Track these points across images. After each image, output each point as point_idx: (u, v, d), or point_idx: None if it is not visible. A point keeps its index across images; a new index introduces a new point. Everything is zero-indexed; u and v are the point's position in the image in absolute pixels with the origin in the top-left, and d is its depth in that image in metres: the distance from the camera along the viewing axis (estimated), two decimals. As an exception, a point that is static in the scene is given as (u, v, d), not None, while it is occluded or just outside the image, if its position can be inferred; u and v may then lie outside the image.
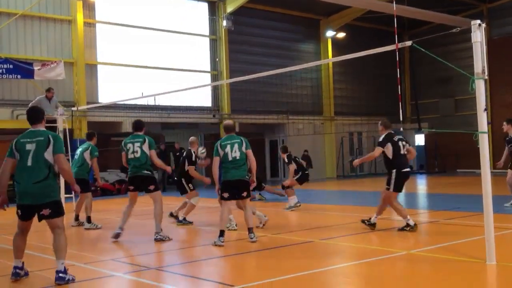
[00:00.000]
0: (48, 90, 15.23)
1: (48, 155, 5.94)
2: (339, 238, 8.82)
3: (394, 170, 8.75)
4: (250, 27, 25.92)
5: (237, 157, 8.33)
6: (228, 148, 8.35)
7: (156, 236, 8.74)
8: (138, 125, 9.20)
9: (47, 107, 14.78)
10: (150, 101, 22.25)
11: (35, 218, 6.09)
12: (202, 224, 11.04)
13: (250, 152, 8.49)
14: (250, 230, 8.33)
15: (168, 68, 23.00)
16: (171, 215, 11.33)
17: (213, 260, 7.44)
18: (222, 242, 8.13)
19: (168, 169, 9.89)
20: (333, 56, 27.59)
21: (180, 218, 10.89)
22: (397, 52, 7.35)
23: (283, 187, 13.18)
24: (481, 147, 6.34)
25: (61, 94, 19.15)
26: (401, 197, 17.22)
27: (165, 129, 24.52)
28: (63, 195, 13.75)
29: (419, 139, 32.49)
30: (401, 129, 29.30)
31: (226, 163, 8.35)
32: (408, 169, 8.92)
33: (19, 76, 18.00)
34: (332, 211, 13.14)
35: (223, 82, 23.62)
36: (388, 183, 8.81)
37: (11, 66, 17.70)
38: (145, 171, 8.87)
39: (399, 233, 9.04)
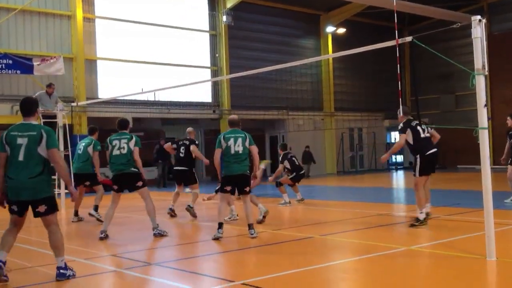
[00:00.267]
0: (49, 85, 15.22)
1: (42, 150, 5.73)
2: (339, 234, 8.83)
3: (418, 155, 8.71)
4: (250, 23, 25.86)
5: (240, 152, 8.35)
6: (231, 141, 8.36)
7: (155, 231, 8.75)
8: (123, 124, 9.07)
9: (47, 103, 14.79)
10: (150, 97, 22.24)
11: (29, 214, 5.98)
12: (202, 219, 11.05)
13: (254, 148, 8.53)
14: (250, 226, 8.33)
15: (168, 64, 22.98)
16: (189, 207, 11.13)
17: (214, 255, 7.45)
18: (221, 234, 8.16)
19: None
20: (333, 51, 27.55)
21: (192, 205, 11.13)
22: (397, 48, 7.34)
23: (277, 184, 13.17)
24: (481, 143, 6.33)
25: (61, 90, 19.12)
26: (402, 193, 17.27)
27: (165, 124, 24.51)
28: (62, 191, 13.81)
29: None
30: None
31: (228, 156, 8.35)
32: (433, 151, 8.77)
33: (18, 72, 17.98)
34: (332, 207, 13.15)
35: (223, 78, 23.59)
36: (414, 170, 8.77)
37: (10, 62, 17.68)
38: (132, 168, 8.74)
39: (399, 229, 9.06)
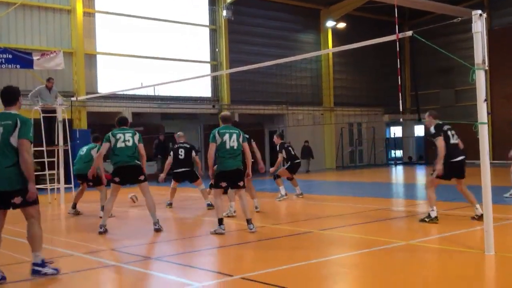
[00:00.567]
0: (48, 80, 15.20)
1: (14, 139, 5.48)
2: (338, 228, 8.84)
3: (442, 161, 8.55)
4: (250, 17, 25.81)
5: (235, 147, 8.39)
6: (226, 137, 8.38)
7: (157, 226, 8.75)
8: (124, 121, 9.16)
9: (47, 97, 14.78)
10: (150, 91, 22.22)
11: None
12: (201, 214, 11.06)
13: (246, 146, 8.62)
14: (249, 221, 8.35)
15: (168, 58, 22.94)
16: (210, 205, 11.36)
17: (212, 250, 7.46)
18: (223, 229, 8.18)
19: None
20: (333, 46, 27.50)
21: (209, 202, 11.57)
22: (397, 43, 7.32)
23: (275, 177, 13.17)
24: (481, 138, 6.33)
25: (60, 84, 19.11)
26: (401, 188, 17.28)
27: (165, 119, 24.51)
28: (62, 185, 13.82)
29: (419, 130, 32.50)
30: (401, 119, 29.45)
31: (223, 151, 8.34)
32: (460, 158, 8.60)
33: (18, 66, 17.98)
34: (331, 201, 13.16)
35: (222, 73, 23.56)
36: (433, 170, 8.63)
37: (10, 56, 17.68)
38: (137, 161, 8.81)
39: (398, 223, 9.06)
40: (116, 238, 8.45)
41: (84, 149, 11.43)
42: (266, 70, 23.50)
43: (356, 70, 30.04)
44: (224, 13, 24.29)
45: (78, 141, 16.06)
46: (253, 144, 10.17)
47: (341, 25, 28.38)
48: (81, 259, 6.84)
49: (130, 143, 8.75)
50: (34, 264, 5.65)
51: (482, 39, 6.21)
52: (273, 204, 12.31)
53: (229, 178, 8.42)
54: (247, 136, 9.06)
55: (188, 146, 12.06)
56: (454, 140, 8.67)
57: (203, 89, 24.36)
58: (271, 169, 13.42)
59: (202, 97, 24.35)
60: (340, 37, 28.04)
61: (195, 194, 12.19)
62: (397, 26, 7.64)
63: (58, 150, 14.29)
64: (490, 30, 25.98)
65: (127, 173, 8.75)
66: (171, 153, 12.13)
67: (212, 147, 8.35)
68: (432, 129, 8.70)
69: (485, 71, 6.30)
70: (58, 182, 14.11)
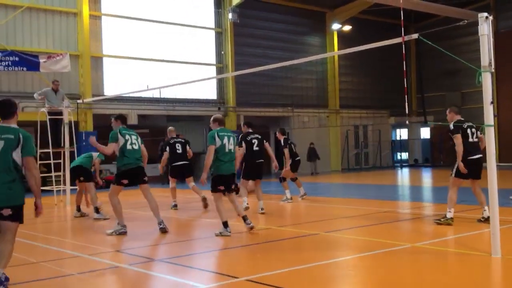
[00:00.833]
0: (53, 82, 15.29)
1: (17, 155, 5.30)
2: (343, 230, 8.82)
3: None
4: (255, 20, 25.85)
5: (232, 150, 8.45)
6: (226, 140, 8.36)
7: (162, 225, 8.74)
8: (126, 119, 9.19)
9: (53, 99, 14.84)
10: (156, 94, 22.28)
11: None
12: (205, 216, 11.06)
13: (237, 150, 8.76)
14: (245, 217, 8.41)
15: (174, 61, 23.01)
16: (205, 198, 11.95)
17: (217, 252, 7.46)
18: (229, 232, 8.17)
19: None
20: (338, 49, 27.49)
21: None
22: (403, 45, 7.30)
23: (281, 180, 13.16)
24: (487, 140, 6.31)
25: (67, 87, 19.19)
26: (406, 190, 17.22)
27: (170, 121, 24.53)
28: (68, 187, 13.87)
29: (425, 132, 32.41)
30: (407, 122, 29.37)
31: (222, 154, 8.29)
32: (477, 156, 8.47)
33: (25, 69, 18.06)
34: (336, 204, 13.14)
35: (228, 75, 23.60)
36: (452, 170, 8.60)
37: (17, 59, 17.76)
38: (142, 163, 8.88)
39: (403, 226, 9.02)
40: (121, 240, 8.46)
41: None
42: (272, 72, 23.53)
43: (362, 72, 30.00)
44: (230, 16, 24.34)
45: (84, 143, 16.13)
46: (266, 144, 11.11)
47: (347, 27, 28.37)
48: (87, 261, 6.86)
49: (136, 146, 8.79)
50: None
51: (489, 41, 6.19)
52: (278, 206, 12.30)
53: (226, 182, 8.40)
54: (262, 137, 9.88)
55: (183, 140, 12.41)
56: (473, 138, 8.55)
57: (209, 91, 24.40)
58: (282, 173, 13.27)
59: (208, 100, 24.39)
60: (345, 39, 28.02)
61: (198, 196, 12.19)
62: (402, 28, 7.61)
63: (64, 152, 14.35)
64: (496, 32, 25.88)
65: (135, 175, 8.76)
66: (167, 148, 12.32)
67: (212, 150, 8.24)
68: (451, 126, 8.66)
69: (492, 73, 6.28)
70: (64, 184, 14.15)
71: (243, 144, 10.86)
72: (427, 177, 22.53)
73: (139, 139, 8.93)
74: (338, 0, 27.46)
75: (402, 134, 33.31)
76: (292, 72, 26.22)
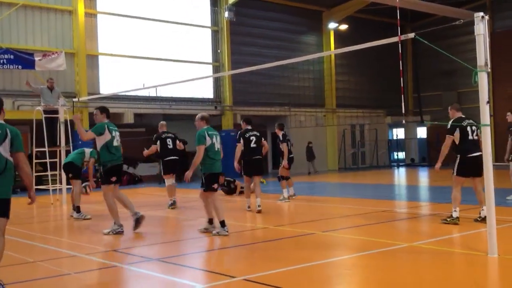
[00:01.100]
0: (47, 80, 15.25)
1: (4, 150, 5.24)
2: (341, 230, 8.82)
3: (458, 156, 8.52)
4: (252, 19, 25.83)
5: (220, 149, 8.50)
6: (214, 139, 8.41)
7: (138, 215, 8.66)
8: (109, 113, 9.06)
9: (49, 98, 14.80)
10: (152, 93, 22.23)
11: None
12: (203, 215, 11.03)
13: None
14: (223, 223, 8.19)
15: (170, 59, 22.96)
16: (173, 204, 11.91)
17: (215, 251, 7.45)
18: (227, 231, 8.13)
19: None
20: (335, 48, 27.52)
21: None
22: (399, 45, 7.30)
23: (279, 178, 13.15)
24: (484, 140, 6.32)
25: (62, 85, 19.14)
26: (403, 190, 17.26)
27: (166, 120, 24.43)
28: (64, 186, 13.83)
29: (421, 132, 32.47)
30: (403, 121, 29.41)
31: (213, 153, 8.33)
32: (476, 154, 8.35)
33: (20, 67, 17.98)
34: (333, 203, 13.15)
35: (224, 74, 23.57)
36: (453, 169, 8.59)
37: (12, 57, 17.68)
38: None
39: (400, 225, 9.02)
40: (118, 239, 8.43)
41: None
42: (268, 71, 23.50)
43: (359, 72, 30.03)
44: (226, 14, 24.31)
45: (80, 142, 16.06)
46: (264, 142, 11.40)
47: (343, 27, 28.39)
48: (84, 260, 6.83)
49: (119, 142, 8.76)
50: None
51: (485, 41, 6.20)
52: (275, 205, 12.30)
53: (216, 180, 8.44)
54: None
55: (173, 136, 12.64)
56: (473, 136, 8.52)
57: (205, 90, 24.38)
58: (284, 163, 13.13)
59: (204, 98, 24.36)
60: (342, 39, 28.04)
61: (196, 195, 12.17)
62: (399, 28, 7.62)
63: (60, 151, 14.30)
64: (492, 32, 25.95)
65: (119, 172, 8.75)
66: (158, 142, 12.41)
67: (203, 149, 8.23)
68: (449, 123, 8.66)
69: (488, 73, 6.28)
70: (60, 183, 14.11)
71: (241, 141, 10.90)
72: (423, 177, 22.57)
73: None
74: (335, -1, 27.50)
75: (399, 133, 33.36)
76: (289, 71, 26.22)
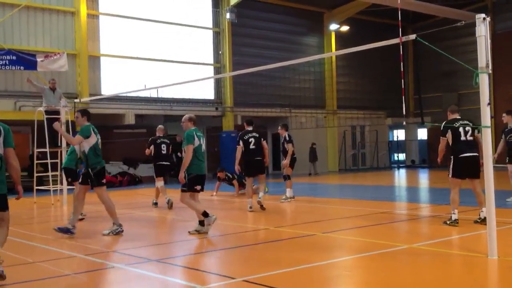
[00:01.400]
0: (49, 81, 15.27)
1: (0, 147, 5.43)
2: (341, 231, 8.82)
3: (452, 157, 8.51)
4: (253, 20, 25.85)
5: (205, 151, 8.60)
6: (202, 140, 8.52)
7: (119, 229, 8.67)
8: (90, 115, 8.95)
9: (51, 98, 14.82)
10: (153, 94, 22.24)
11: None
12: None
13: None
14: (201, 222, 8.39)
15: (171, 61, 22.99)
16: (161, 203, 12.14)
17: (214, 252, 7.46)
18: (214, 217, 8.31)
19: None
20: (336, 49, 27.51)
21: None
22: (400, 46, 7.30)
23: (285, 178, 13.19)
24: (484, 141, 6.32)
25: (64, 86, 19.16)
26: (404, 191, 17.25)
27: (168, 121, 24.52)
28: (65, 186, 13.84)
29: (422, 133, 32.45)
30: (404, 123, 29.40)
31: (200, 154, 8.42)
32: (469, 154, 8.39)
33: (22, 68, 18.01)
34: (334, 204, 13.15)
35: (226, 75, 23.58)
36: (448, 171, 8.60)
37: (14, 58, 17.71)
38: None
39: (400, 226, 9.02)
40: (117, 240, 8.44)
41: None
42: (269, 72, 23.53)
43: (359, 73, 30.03)
44: (228, 15, 24.33)
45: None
46: (264, 142, 11.34)
47: (345, 28, 28.40)
48: (84, 261, 6.84)
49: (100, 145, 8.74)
50: None
51: (486, 42, 6.20)
52: (276, 206, 12.30)
53: (202, 181, 8.49)
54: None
55: (168, 141, 12.71)
56: (466, 137, 8.48)
57: (206, 91, 24.40)
58: (285, 162, 13.12)
59: (205, 100, 24.38)
60: (343, 40, 28.05)
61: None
62: (400, 29, 7.62)
63: (61, 151, 14.31)
64: (493, 34, 25.95)
65: (104, 174, 8.75)
66: (152, 146, 12.52)
67: (191, 149, 8.29)
68: (442, 125, 8.67)
69: (489, 74, 6.29)
70: (61, 183, 14.11)
71: (241, 143, 10.94)
72: (424, 178, 22.56)
73: None
74: (336, 0, 27.47)
75: (399, 135, 33.34)
76: (290, 73, 26.22)
